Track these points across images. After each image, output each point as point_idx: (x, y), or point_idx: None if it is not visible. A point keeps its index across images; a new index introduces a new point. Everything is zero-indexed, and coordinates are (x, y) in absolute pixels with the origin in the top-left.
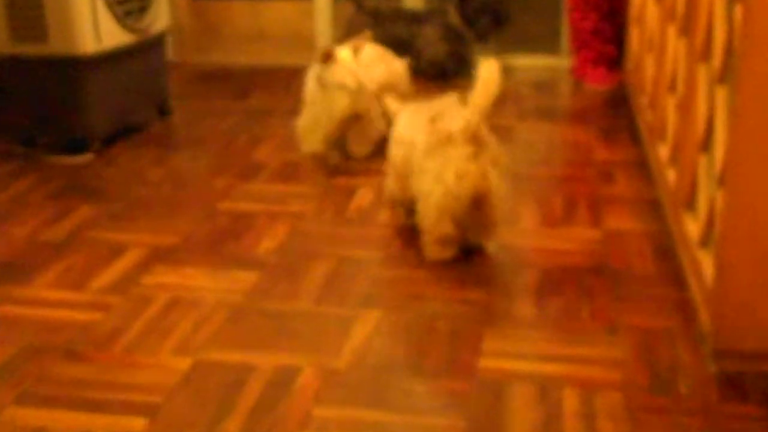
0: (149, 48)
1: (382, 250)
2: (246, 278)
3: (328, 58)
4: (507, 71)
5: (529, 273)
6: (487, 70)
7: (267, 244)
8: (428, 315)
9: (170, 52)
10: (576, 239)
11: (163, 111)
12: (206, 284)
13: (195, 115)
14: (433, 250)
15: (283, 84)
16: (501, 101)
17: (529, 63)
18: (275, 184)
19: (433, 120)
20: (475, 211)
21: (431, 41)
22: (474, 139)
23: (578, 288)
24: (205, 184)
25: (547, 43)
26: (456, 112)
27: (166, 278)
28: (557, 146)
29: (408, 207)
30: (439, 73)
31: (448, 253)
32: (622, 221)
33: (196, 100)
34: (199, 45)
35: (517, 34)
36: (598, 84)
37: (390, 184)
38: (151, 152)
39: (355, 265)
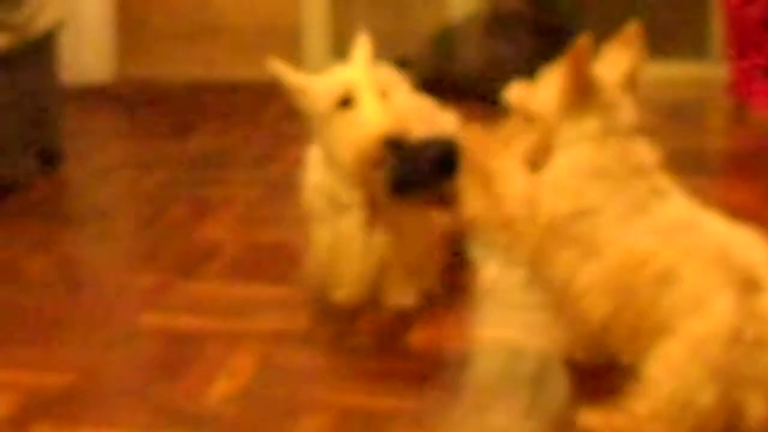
0: (29, 56)
1: (415, 396)
2: None
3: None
4: None
5: None
6: None
7: (222, 386)
8: None
9: (65, 63)
10: None
11: (50, 160)
12: None
13: (102, 166)
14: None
15: (248, 111)
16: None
17: (659, 74)
18: (235, 284)
19: (750, 286)
20: None
21: (467, 37)
22: None
23: None
24: (119, 284)
25: (689, 42)
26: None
27: None
28: None
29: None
30: (477, 93)
31: None
32: None
33: (104, 140)
34: (113, 49)
35: (640, 26)
36: None
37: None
38: (30, 229)
39: (367, 422)
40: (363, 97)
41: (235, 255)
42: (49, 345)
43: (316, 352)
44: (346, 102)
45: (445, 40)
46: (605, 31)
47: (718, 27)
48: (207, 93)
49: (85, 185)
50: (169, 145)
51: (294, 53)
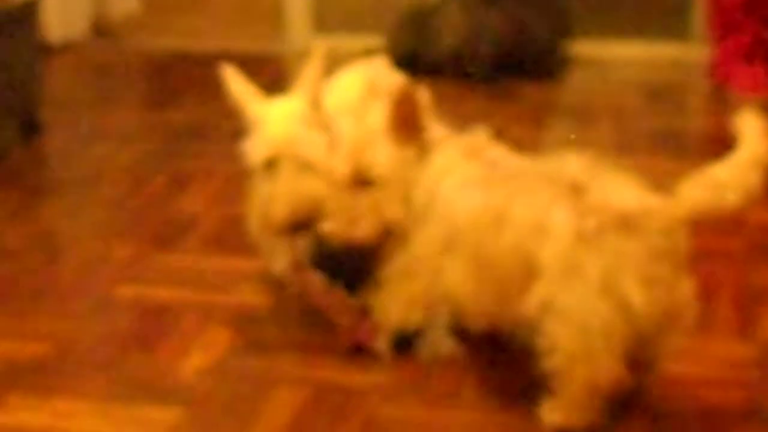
0: (10, 24)
1: (387, 372)
2: (162, 419)
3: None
4: (600, 67)
5: (636, 419)
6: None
7: (197, 359)
8: None
9: (46, 30)
10: (714, 359)
11: (29, 129)
12: (95, 428)
13: (82, 136)
14: (574, 415)
15: None
16: (592, 118)
17: (639, 54)
18: (211, 257)
19: (576, 190)
20: (652, 341)
21: (448, 14)
22: (669, 228)
23: None
24: (95, 255)
25: (670, 23)
26: (613, 180)
27: (27, 417)
28: None
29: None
30: (458, 69)
31: (596, 413)
32: None
33: (84, 110)
34: (97, 17)
35: (620, 6)
36: (752, 91)
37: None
38: (8, 199)
39: (342, 397)
40: (280, 172)
41: (212, 228)
42: (24, 315)
43: (291, 326)
44: (270, 165)
45: (422, 16)
46: (592, 6)
47: (700, 9)
48: (191, 64)
49: (64, 155)
50: (150, 116)
51: (276, 25)
